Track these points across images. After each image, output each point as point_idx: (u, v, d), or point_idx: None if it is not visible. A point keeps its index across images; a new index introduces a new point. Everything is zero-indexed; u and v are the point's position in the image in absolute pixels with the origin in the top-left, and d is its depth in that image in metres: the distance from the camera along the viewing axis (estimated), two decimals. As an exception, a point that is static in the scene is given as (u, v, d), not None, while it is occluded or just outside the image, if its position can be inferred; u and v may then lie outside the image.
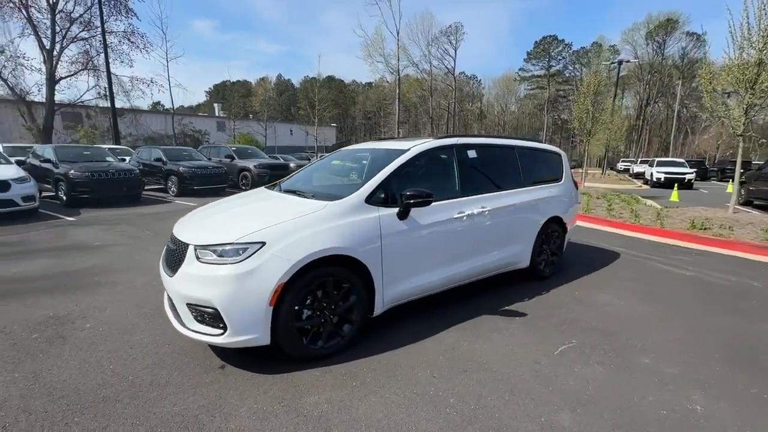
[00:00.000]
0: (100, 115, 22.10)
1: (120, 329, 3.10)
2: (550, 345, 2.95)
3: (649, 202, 11.21)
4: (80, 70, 19.37)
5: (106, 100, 20.45)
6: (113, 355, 2.72)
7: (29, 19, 18.01)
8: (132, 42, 21.05)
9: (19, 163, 9.21)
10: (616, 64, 27.82)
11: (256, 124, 39.38)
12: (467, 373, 2.56)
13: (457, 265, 3.46)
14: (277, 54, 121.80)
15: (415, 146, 3.33)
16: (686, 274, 4.81)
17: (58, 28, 18.52)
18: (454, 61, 48.44)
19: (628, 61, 32.22)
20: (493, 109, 70.50)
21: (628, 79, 57.22)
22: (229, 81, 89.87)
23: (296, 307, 2.51)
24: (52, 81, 18.63)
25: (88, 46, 20.00)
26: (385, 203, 2.97)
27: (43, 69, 18.42)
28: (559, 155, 4.85)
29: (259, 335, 2.40)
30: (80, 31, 19.12)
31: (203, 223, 2.87)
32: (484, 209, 3.55)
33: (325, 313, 2.67)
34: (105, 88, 19.39)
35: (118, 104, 20.61)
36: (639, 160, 32.22)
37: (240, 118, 42.11)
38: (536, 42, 63.39)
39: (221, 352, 2.75)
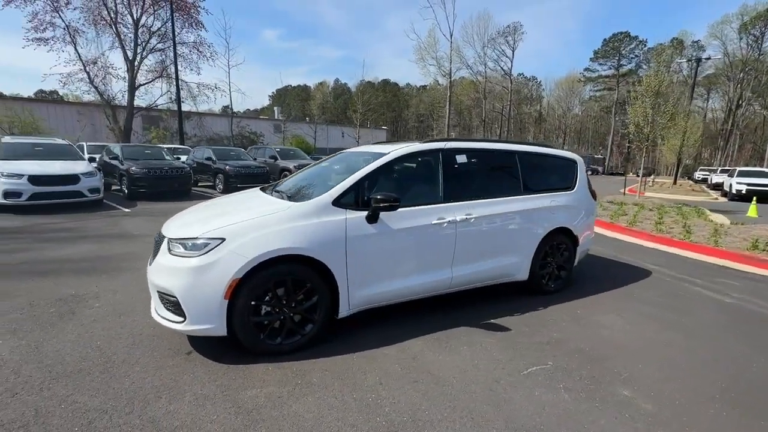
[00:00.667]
0: (171, 118, 24.52)
1: (121, 311, 3.45)
2: (521, 364, 2.76)
3: (715, 216, 9.90)
4: (156, 78, 21.69)
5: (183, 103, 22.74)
6: (105, 332, 3.04)
7: (117, 34, 20.54)
8: (200, 52, 23.17)
9: (92, 159, 10.55)
10: (694, 63, 24.95)
11: (308, 126, 41.15)
12: (416, 384, 2.48)
13: (438, 272, 3.36)
14: (337, 59, 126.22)
15: (394, 150, 3.30)
16: (725, 301, 4.20)
17: (139, 41, 20.92)
18: (511, 62, 46.71)
19: (708, 59, 28.71)
20: (553, 112, 66.80)
21: (716, 78, 50.95)
22: (290, 86, 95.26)
23: (253, 303, 2.61)
24: (132, 87, 21.07)
25: (163, 57, 22.38)
26: (356, 206, 2.98)
27: (126, 77, 20.90)
28: (574, 162, 4.49)
29: (215, 326, 2.55)
30: (157, 43, 21.39)
31: (185, 218, 3.11)
32: (469, 216, 3.41)
33: (285, 311, 2.75)
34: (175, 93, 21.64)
35: (185, 108, 22.83)
36: (719, 169, 28.56)
37: (294, 121, 44.35)
38: (605, 40, 58.84)
39: (194, 340, 2.94)
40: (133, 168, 10.04)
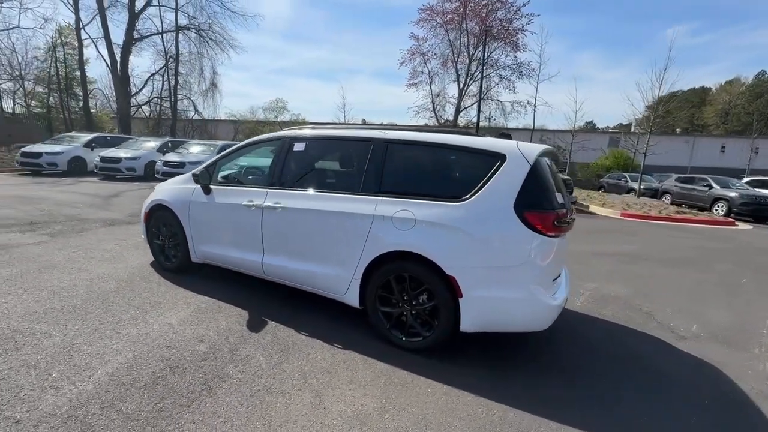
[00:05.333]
0: (485, 133, 28.00)
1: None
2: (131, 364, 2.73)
3: None
4: (475, 102, 25.59)
5: (489, 122, 25.93)
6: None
7: (456, 70, 26.10)
8: (521, 72, 24.94)
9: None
10: None
11: (667, 139, 32.60)
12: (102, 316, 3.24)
13: (250, 254, 3.49)
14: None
15: (251, 139, 3.76)
16: None
17: (469, 72, 25.49)
18: None
19: None
20: None
21: None
22: (680, 91, 76.54)
23: (154, 230, 4.26)
24: (458, 111, 26.12)
25: (488, 82, 25.95)
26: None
27: (455, 103, 26.17)
28: (494, 158, 2.56)
29: (144, 237, 4.42)
30: (479, 72, 25.13)
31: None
32: (277, 205, 3.26)
33: (166, 242, 4.17)
34: (489, 112, 24.87)
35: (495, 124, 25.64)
36: None
37: (653, 133, 36.53)
38: None
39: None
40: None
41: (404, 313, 2.81)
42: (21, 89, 25.56)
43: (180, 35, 24.83)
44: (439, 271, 2.59)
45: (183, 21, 25.72)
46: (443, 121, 27.09)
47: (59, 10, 34.75)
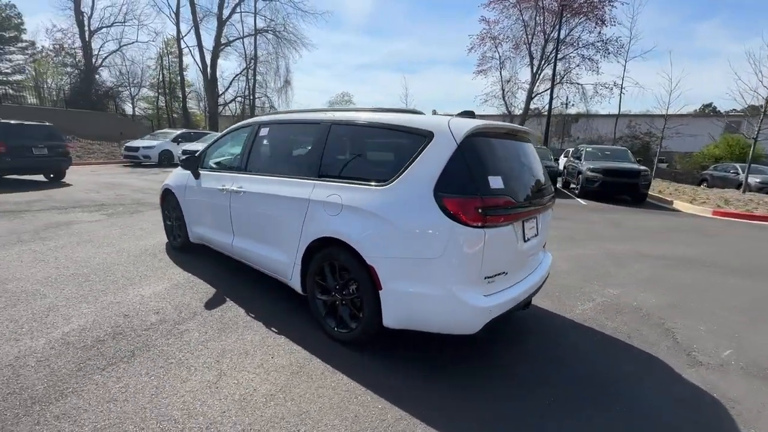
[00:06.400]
0: (558, 121, 25.38)
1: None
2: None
3: None
4: (549, 88, 23.36)
5: (565, 108, 23.60)
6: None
7: (530, 53, 24.11)
8: (607, 50, 22.13)
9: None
10: None
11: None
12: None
13: (225, 235, 3.68)
14: None
15: (233, 126, 3.91)
16: None
17: (544, 53, 23.34)
18: None
19: None
20: None
21: None
22: (840, 60, 60.43)
23: (166, 212, 4.71)
24: (530, 96, 24.16)
25: (567, 64, 23.51)
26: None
27: (527, 88, 24.20)
28: (422, 137, 2.28)
29: (161, 217, 4.92)
30: (553, 53, 22.83)
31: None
32: (240, 189, 3.36)
33: (173, 224, 4.59)
34: (566, 97, 22.61)
35: (574, 111, 23.16)
36: None
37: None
38: None
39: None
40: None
41: (337, 303, 2.70)
42: (130, 95, 30.40)
43: (258, 38, 27.06)
44: (361, 260, 2.43)
45: (261, 24, 27.96)
46: (511, 109, 25.31)
47: (167, 24, 40.33)
